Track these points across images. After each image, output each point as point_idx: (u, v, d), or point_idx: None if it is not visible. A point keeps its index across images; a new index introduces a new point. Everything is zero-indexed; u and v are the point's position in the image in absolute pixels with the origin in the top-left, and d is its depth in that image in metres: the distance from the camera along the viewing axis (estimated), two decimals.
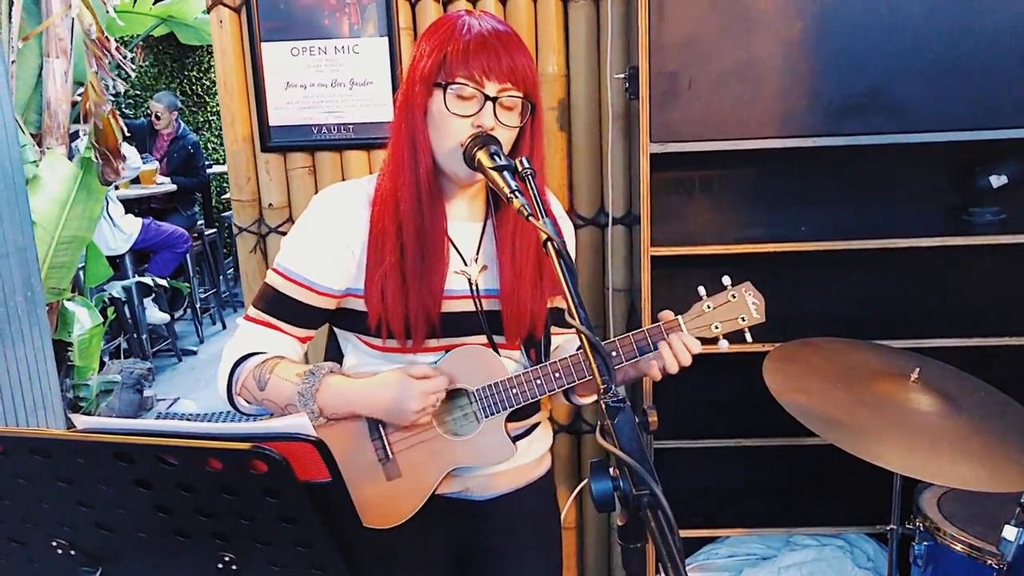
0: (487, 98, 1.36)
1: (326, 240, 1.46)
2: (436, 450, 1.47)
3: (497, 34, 1.38)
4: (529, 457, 1.61)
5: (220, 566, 1.12)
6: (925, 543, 1.94)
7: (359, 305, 1.47)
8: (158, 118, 6.42)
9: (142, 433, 1.01)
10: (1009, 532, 1.56)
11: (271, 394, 1.44)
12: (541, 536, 1.67)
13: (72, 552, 1.16)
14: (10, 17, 4.13)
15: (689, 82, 2.09)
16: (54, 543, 1.16)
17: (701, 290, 1.49)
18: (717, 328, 1.47)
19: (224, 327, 6.76)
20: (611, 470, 0.94)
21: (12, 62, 4.11)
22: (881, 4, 2.04)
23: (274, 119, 2.41)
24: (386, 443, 1.47)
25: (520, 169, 1.29)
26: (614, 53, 2.36)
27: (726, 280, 1.48)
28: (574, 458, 2.66)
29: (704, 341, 1.47)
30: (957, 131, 2.07)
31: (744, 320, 1.48)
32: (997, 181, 2.25)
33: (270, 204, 2.50)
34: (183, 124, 6.76)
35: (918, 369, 1.75)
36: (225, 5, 2.38)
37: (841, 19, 2.05)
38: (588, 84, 2.41)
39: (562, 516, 2.53)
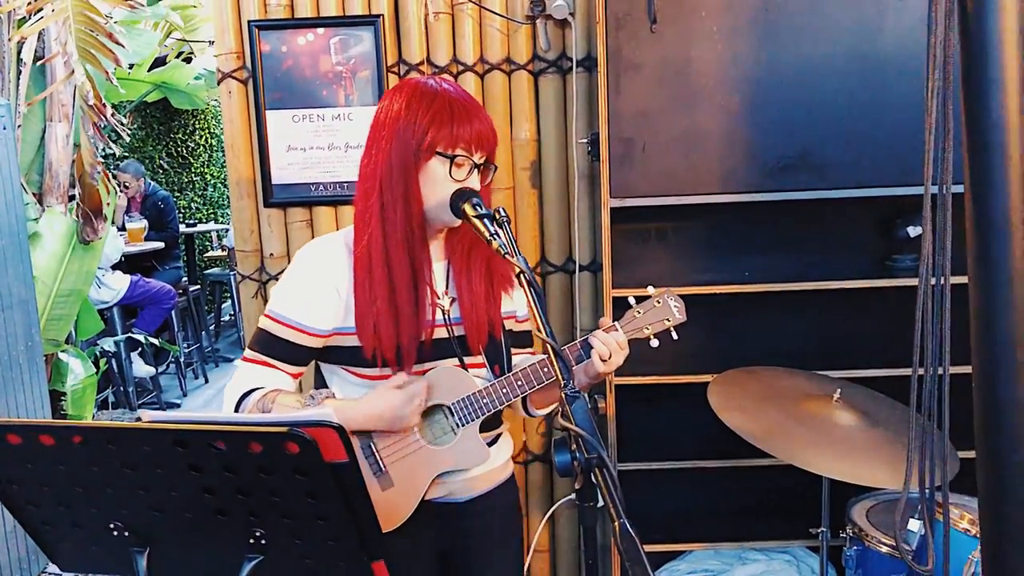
0: (475, 165, 1.64)
1: (313, 286, 1.67)
2: (422, 459, 1.68)
3: (477, 107, 1.65)
4: (498, 461, 1.83)
5: (252, 541, 1.32)
6: (855, 547, 2.19)
7: (348, 341, 1.67)
8: (127, 187, 6.57)
9: (197, 423, 1.25)
10: (914, 525, 1.83)
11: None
12: (509, 528, 1.90)
13: (126, 533, 1.34)
14: (18, 84, 4.39)
15: (643, 146, 2.38)
16: (111, 525, 1.35)
17: (631, 299, 1.74)
18: (647, 330, 1.73)
19: (207, 381, 6.90)
20: (571, 446, 1.21)
21: (18, 126, 4.37)
22: (805, 79, 2.32)
23: (276, 178, 2.68)
24: (378, 458, 1.68)
25: (497, 217, 1.57)
26: (579, 121, 2.65)
27: (650, 289, 1.75)
28: (547, 486, 2.89)
29: (638, 341, 1.72)
30: (875, 187, 2.34)
31: (669, 321, 1.73)
32: (914, 231, 2.56)
33: (271, 254, 2.76)
34: (151, 183, 6.95)
35: (839, 390, 2.04)
36: (234, 78, 2.67)
37: (772, 92, 2.33)
38: (556, 148, 2.69)
39: (535, 540, 2.77)
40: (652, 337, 1.73)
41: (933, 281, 1.17)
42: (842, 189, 2.38)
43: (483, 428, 1.74)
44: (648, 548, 2.71)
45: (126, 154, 7.64)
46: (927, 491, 1.47)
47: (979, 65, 0.94)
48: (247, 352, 1.72)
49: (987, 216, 0.99)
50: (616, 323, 1.72)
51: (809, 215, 2.63)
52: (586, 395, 1.23)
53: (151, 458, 1.26)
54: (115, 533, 1.36)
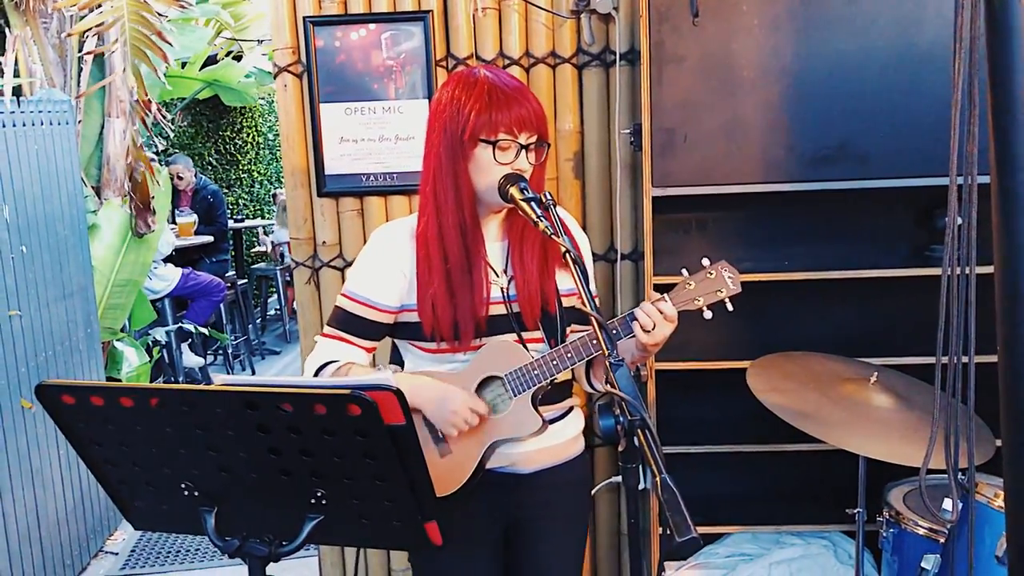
0: (521, 147, 1.71)
1: (382, 267, 1.81)
2: (478, 428, 1.73)
3: (519, 90, 1.72)
4: (564, 436, 1.89)
5: (313, 501, 1.39)
6: (892, 530, 2.24)
7: (413, 317, 1.79)
8: (180, 178, 6.74)
9: (266, 386, 1.34)
10: (947, 503, 1.87)
11: None
12: (575, 504, 1.96)
13: (196, 493, 1.43)
14: (78, 81, 4.56)
15: (685, 136, 2.44)
16: (182, 485, 1.43)
17: (684, 271, 1.73)
18: (699, 301, 1.69)
19: (253, 372, 7.03)
20: (614, 410, 1.28)
21: (79, 121, 4.53)
22: (845, 71, 2.36)
23: (329, 169, 2.78)
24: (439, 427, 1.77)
25: (544, 200, 1.66)
26: (622, 114, 2.70)
27: (705, 261, 1.72)
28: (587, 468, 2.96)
29: (690, 313, 1.70)
30: (914, 177, 2.38)
31: (722, 292, 1.69)
32: None
33: (323, 242, 2.86)
34: (202, 177, 7.11)
35: (876, 374, 2.08)
36: (289, 72, 2.77)
37: (812, 83, 2.37)
38: (599, 139, 2.76)
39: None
40: (705, 308, 1.70)
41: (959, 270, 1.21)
42: (881, 179, 2.41)
43: (548, 401, 1.80)
44: None
45: (175, 150, 7.83)
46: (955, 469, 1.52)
47: (1005, 49, 0.99)
48: (326, 328, 1.86)
49: (1012, 195, 1.04)
50: (666, 295, 1.71)
51: (848, 205, 2.65)
52: (625, 361, 1.30)
53: (222, 420, 1.34)
54: (185, 493, 1.44)
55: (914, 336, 2.55)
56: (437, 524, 1.47)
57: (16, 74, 4.30)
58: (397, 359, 1.93)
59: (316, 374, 1.79)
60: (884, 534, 2.23)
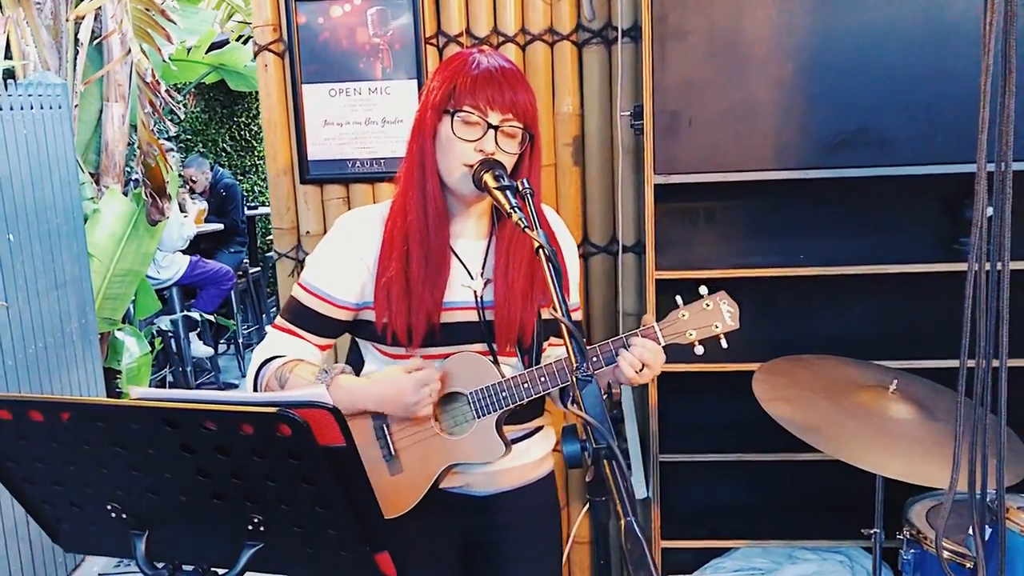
0: (490, 126, 1.54)
1: (343, 257, 1.63)
2: (434, 447, 1.60)
3: (502, 70, 1.56)
4: (530, 458, 1.73)
5: (250, 528, 1.27)
6: (912, 551, 2.06)
7: (373, 316, 1.63)
8: (194, 181, 6.63)
9: (186, 401, 1.19)
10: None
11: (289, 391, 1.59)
12: (543, 532, 1.79)
13: (124, 516, 1.31)
14: (75, 64, 4.44)
15: (690, 119, 2.26)
16: (109, 507, 1.31)
17: (678, 299, 1.58)
18: (692, 335, 1.56)
19: None
20: (581, 435, 1.10)
21: (75, 106, 4.41)
22: (863, 46, 2.19)
23: (312, 154, 2.63)
24: (390, 441, 1.61)
25: (520, 189, 1.48)
26: (624, 93, 2.54)
27: (702, 290, 1.57)
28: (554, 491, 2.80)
29: (680, 347, 1.56)
30: (941, 164, 2.21)
31: (718, 327, 1.56)
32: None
33: (307, 232, 2.71)
34: (218, 169, 7.01)
35: (895, 381, 1.89)
36: (270, 51, 2.61)
37: (829, 60, 2.21)
38: (601, 122, 2.59)
39: (574, 530, 2.68)
40: (697, 343, 1.57)
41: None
42: (905, 166, 2.24)
43: (516, 420, 1.66)
44: (691, 544, 2.60)
45: (188, 136, 7.72)
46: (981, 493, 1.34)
47: None
48: (277, 320, 1.70)
49: None
50: (655, 324, 1.57)
51: (868, 194, 2.51)
52: (595, 379, 1.12)
53: (141, 437, 1.23)
54: (113, 515, 1.32)
55: (940, 338, 2.40)
56: (390, 555, 1.32)
57: (9, 56, 4.18)
58: (356, 359, 1.76)
59: (259, 369, 1.64)
60: (905, 555, 2.05)
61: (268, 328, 1.72)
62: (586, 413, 1.06)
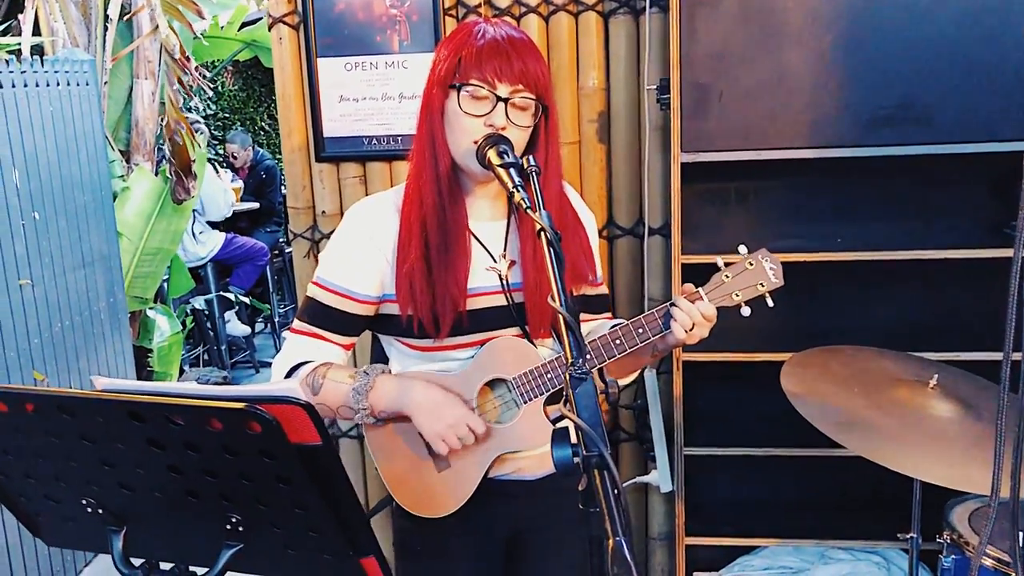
0: (499, 99, 1.44)
1: (360, 250, 1.56)
2: (482, 439, 1.53)
3: (511, 40, 1.46)
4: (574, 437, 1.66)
5: (228, 527, 1.20)
6: (953, 556, 1.93)
7: (396, 308, 1.55)
8: (235, 157, 6.67)
9: (153, 394, 1.12)
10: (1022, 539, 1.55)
11: (324, 398, 1.52)
12: (577, 514, 1.73)
13: (100, 511, 1.25)
14: (104, 41, 4.41)
15: (720, 93, 2.15)
16: (84, 502, 1.26)
17: (719, 261, 1.54)
18: (737, 296, 1.52)
19: None
20: (573, 439, 1.00)
21: (104, 83, 4.38)
22: (911, 14, 2.08)
23: (328, 131, 2.56)
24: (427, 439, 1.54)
25: (525, 167, 1.37)
26: (652, 66, 2.43)
27: (742, 249, 1.54)
28: None
29: (727, 310, 1.52)
30: (990, 142, 2.08)
31: (763, 286, 1.52)
32: None
33: (323, 211, 2.64)
34: (259, 150, 7.02)
35: (936, 376, 1.75)
36: (284, 23, 2.54)
37: (870, 31, 2.10)
38: (627, 98, 2.49)
39: None
40: (743, 304, 1.53)
41: None
42: (951, 144, 2.13)
43: (556, 399, 1.57)
44: (718, 541, 2.49)
45: (226, 115, 7.70)
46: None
47: None
48: (295, 323, 1.62)
49: None
50: (700, 289, 1.53)
51: (912, 174, 2.40)
52: (591, 377, 1.01)
53: (108, 431, 1.16)
54: (88, 510, 1.27)
55: (986, 329, 2.26)
56: (377, 561, 1.25)
57: (37, 32, 4.16)
58: (379, 356, 1.68)
59: (286, 378, 1.56)
60: (944, 561, 1.92)
61: (285, 334, 1.64)
62: (578, 416, 0.96)
